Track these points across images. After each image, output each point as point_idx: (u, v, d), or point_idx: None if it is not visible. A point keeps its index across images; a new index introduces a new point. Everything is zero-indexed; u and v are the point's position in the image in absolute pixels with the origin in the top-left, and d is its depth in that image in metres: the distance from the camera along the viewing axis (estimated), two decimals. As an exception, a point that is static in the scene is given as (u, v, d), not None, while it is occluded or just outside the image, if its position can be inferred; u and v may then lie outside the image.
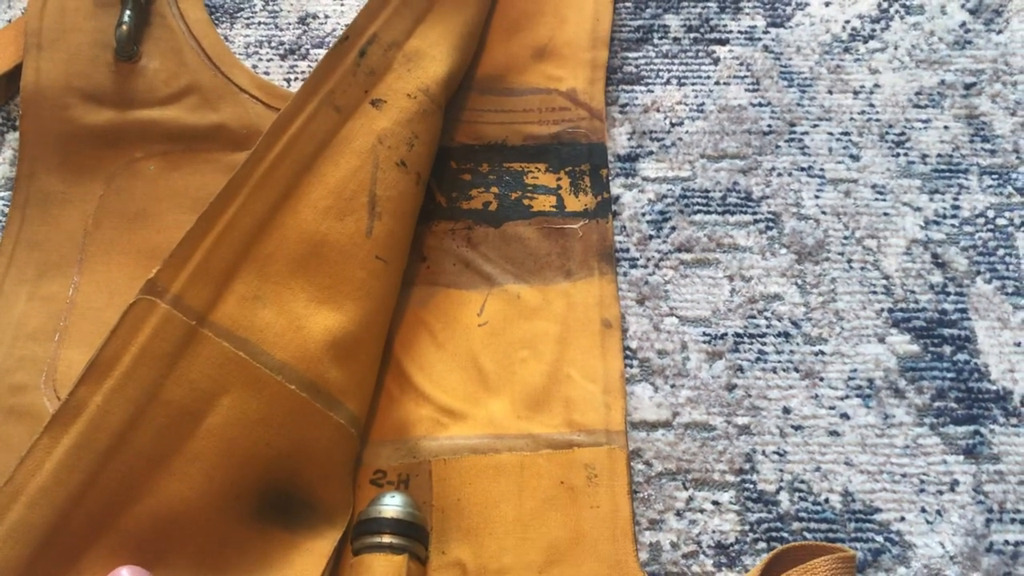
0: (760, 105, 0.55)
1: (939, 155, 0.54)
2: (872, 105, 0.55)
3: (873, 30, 0.58)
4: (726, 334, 0.49)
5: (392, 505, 0.42)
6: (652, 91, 0.56)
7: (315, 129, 0.46)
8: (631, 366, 0.49)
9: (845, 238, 0.52)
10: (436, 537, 0.44)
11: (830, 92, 0.56)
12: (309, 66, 0.57)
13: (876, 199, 0.53)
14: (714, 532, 0.45)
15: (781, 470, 0.46)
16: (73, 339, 0.48)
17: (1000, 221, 0.52)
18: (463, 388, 0.48)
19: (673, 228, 0.52)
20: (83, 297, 0.49)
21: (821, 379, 0.48)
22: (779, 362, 0.49)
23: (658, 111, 0.55)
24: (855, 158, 0.54)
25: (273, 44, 0.58)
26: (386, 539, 0.41)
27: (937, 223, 0.52)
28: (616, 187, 0.53)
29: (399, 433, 0.47)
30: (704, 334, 0.49)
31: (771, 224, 0.52)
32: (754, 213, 0.52)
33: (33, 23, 0.53)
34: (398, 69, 0.49)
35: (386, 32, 0.49)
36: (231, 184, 0.44)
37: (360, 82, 0.48)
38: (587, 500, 0.44)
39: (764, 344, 0.49)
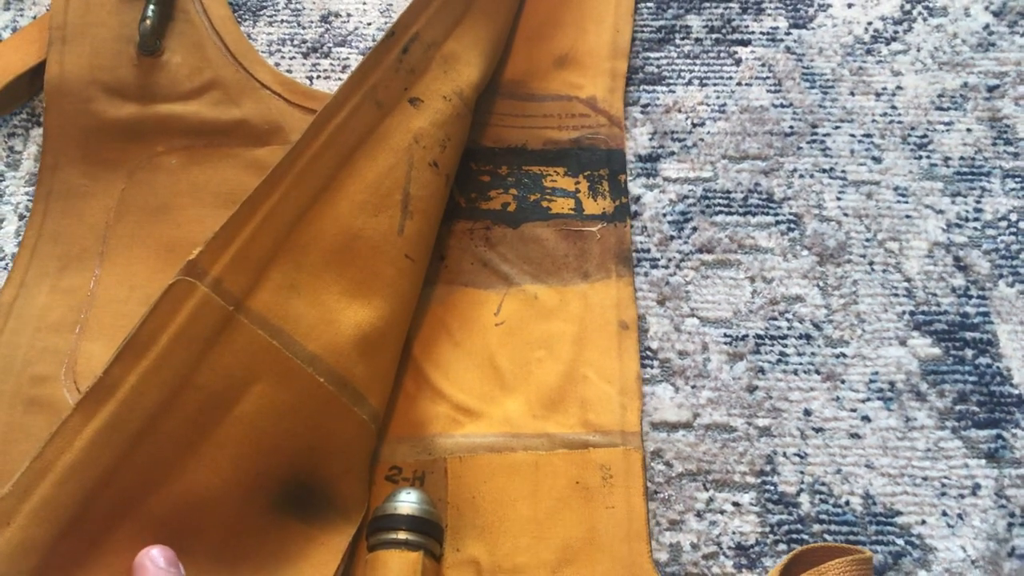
0: (782, 106, 0.55)
1: (962, 158, 0.54)
2: (894, 107, 0.55)
3: (896, 32, 0.57)
4: (747, 335, 0.49)
5: (408, 502, 0.42)
6: (674, 92, 0.56)
7: (357, 123, 0.46)
8: (652, 367, 0.48)
9: (867, 240, 0.51)
10: (451, 534, 0.44)
11: (852, 94, 0.56)
12: (331, 64, 0.57)
13: (898, 201, 0.52)
14: (734, 533, 0.45)
15: (802, 472, 0.46)
16: (93, 332, 0.48)
17: (1023, 224, 0.52)
18: (479, 386, 0.48)
19: (694, 229, 0.52)
20: (104, 290, 0.49)
21: (842, 381, 0.48)
22: (800, 364, 0.48)
23: (680, 112, 0.55)
24: (877, 160, 0.54)
25: (296, 42, 0.58)
26: (402, 535, 0.41)
27: (959, 226, 0.52)
28: (637, 187, 0.53)
29: (415, 430, 0.47)
30: (725, 335, 0.49)
31: (793, 225, 0.52)
32: (776, 214, 0.52)
33: (57, 17, 0.54)
34: (435, 70, 0.49)
35: (427, 31, 0.49)
36: (275, 172, 0.43)
37: (401, 79, 0.48)
38: (602, 501, 0.44)
39: (785, 346, 0.49)
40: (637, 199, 0.53)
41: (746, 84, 0.56)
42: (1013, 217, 0.52)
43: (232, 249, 0.42)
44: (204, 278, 0.41)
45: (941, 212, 0.52)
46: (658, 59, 0.57)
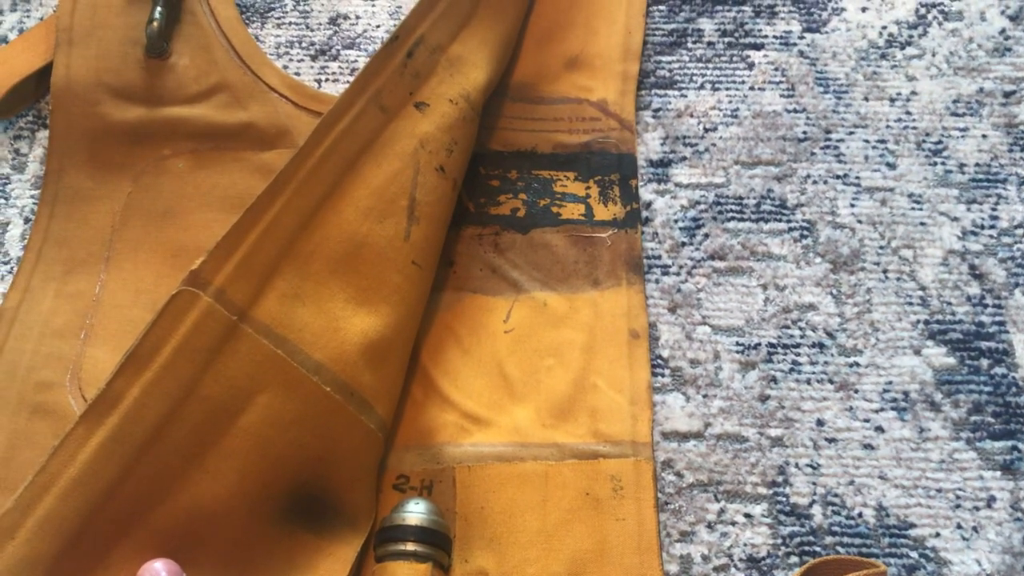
0: (795, 111, 0.55)
1: (977, 164, 0.53)
2: (909, 113, 0.55)
3: (910, 36, 0.57)
4: (759, 344, 0.49)
5: (416, 512, 0.42)
6: (686, 96, 0.55)
7: (361, 128, 0.46)
8: (663, 375, 0.48)
9: (881, 248, 0.51)
10: (459, 545, 0.43)
11: (866, 99, 0.55)
12: (340, 67, 0.57)
13: (912, 208, 0.52)
14: (746, 545, 0.44)
15: (814, 483, 0.45)
16: (99, 337, 0.48)
17: (1040, 233, 0.51)
18: (488, 395, 0.47)
19: (706, 235, 0.51)
20: (109, 295, 0.49)
21: (856, 391, 0.47)
22: (813, 373, 0.48)
23: (691, 116, 0.55)
24: (891, 166, 0.53)
25: (304, 44, 0.57)
26: (410, 547, 0.41)
27: (975, 234, 0.51)
28: (648, 193, 0.53)
29: (423, 438, 0.46)
30: (737, 344, 0.49)
31: (806, 232, 0.51)
32: (788, 221, 0.52)
33: (64, 19, 0.53)
34: (441, 73, 0.49)
35: (432, 35, 0.49)
36: (278, 179, 0.43)
37: (406, 83, 0.47)
38: (612, 512, 0.44)
39: (798, 355, 0.48)
40: (648, 205, 0.52)
41: (759, 89, 0.55)
42: (1029, 225, 0.51)
43: (235, 258, 0.41)
44: (207, 288, 0.40)
45: (956, 219, 0.52)
46: (670, 63, 0.57)
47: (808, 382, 0.48)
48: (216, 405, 0.40)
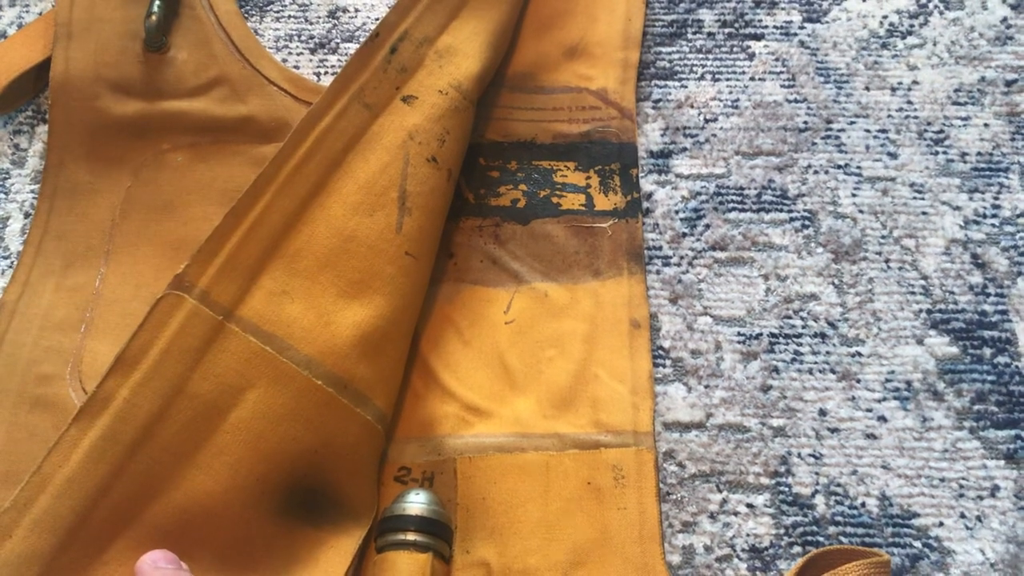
0: (796, 101, 0.54)
1: (979, 153, 0.53)
2: (910, 102, 0.54)
3: (911, 25, 0.57)
4: (761, 334, 0.48)
5: (417, 503, 0.42)
6: (686, 86, 0.55)
7: (345, 126, 0.46)
8: (664, 366, 0.48)
9: (883, 237, 0.51)
10: (460, 536, 0.43)
11: (867, 89, 0.55)
12: (339, 60, 0.57)
13: (914, 198, 0.52)
14: (748, 535, 0.44)
15: (817, 473, 0.45)
16: (99, 330, 0.48)
17: (1042, 221, 0.51)
18: (489, 386, 0.47)
19: (707, 226, 0.51)
20: (109, 288, 0.49)
21: (858, 381, 0.47)
22: (815, 363, 0.48)
23: (692, 107, 0.55)
24: (893, 156, 0.53)
25: (303, 38, 0.57)
26: (410, 536, 0.41)
27: (977, 223, 0.51)
28: (649, 184, 0.52)
29: (424, 430, 0.46)
30: (739, 334, 0.48)
31: (807, 222, 0.51)
32: (790, 211, 0.51)
33: (63, 13, 0.53)
34: (430, 65, 0.49)
35: (418, 28, 0.49)
36: (259, 180, 0.44)
37: (391, 79, 0.48)
38: (614, 501, 0.44)
39: (800, 345, 0.48)
40: (649, 196, 0.52)
41: (759, 79, 0.55)
42: (1032, 214, 0.51)
43: (219, 260, 0.42)
44: (192, 291, 0.41)
45: (958, 208, 0.51)
46: (670, 54, 0.56)
47: (810, 372, 0.47)
48: (206, 402, 0.40)
